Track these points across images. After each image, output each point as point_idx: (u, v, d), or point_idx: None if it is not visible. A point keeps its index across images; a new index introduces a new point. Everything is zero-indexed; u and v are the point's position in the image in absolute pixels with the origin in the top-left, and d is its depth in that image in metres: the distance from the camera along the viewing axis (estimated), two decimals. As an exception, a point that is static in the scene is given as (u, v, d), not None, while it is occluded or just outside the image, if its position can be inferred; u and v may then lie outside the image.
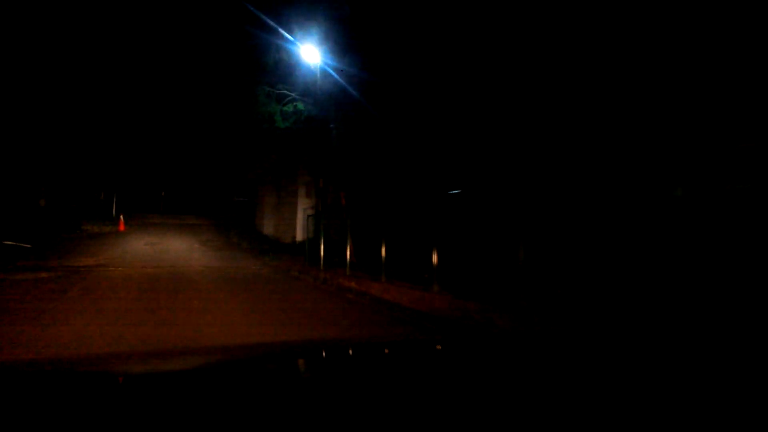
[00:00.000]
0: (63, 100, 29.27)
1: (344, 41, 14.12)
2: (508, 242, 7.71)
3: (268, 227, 24.41)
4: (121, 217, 22.91)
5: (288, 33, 13.88)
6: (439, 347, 1.85)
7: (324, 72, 14.21)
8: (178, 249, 18.15)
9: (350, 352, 1.79)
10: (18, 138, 25.06)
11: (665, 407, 1.01)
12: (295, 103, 15.64)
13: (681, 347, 1.65)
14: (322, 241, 14.31)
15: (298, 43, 13.91)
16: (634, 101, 9.51)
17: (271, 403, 1.04)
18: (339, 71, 14.13)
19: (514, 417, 0.98)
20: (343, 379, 1.30)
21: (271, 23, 13.88)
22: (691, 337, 2.08)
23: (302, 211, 20.33)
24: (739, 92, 8.48)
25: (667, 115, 9.17)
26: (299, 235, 20.06)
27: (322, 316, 7.53)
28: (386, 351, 1.76)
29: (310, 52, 13.89)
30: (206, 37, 20.23)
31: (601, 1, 9.83)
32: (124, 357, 2.08)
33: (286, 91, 15.67)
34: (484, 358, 1.59)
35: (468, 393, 1.15)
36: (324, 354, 1.74)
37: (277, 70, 15.56)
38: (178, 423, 0.90)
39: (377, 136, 14.47)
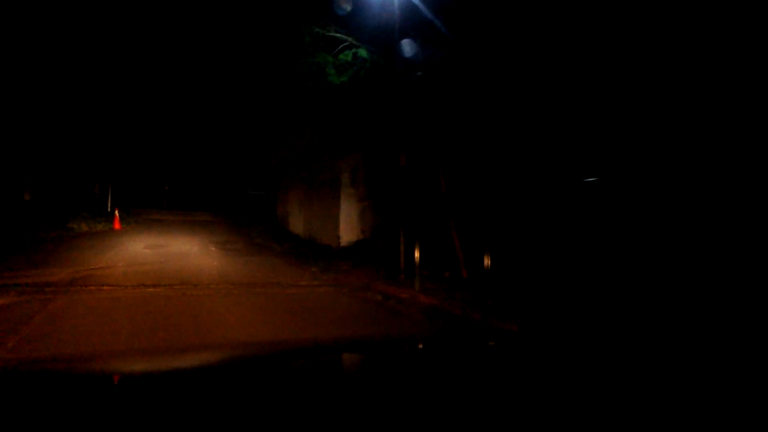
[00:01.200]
0: (54, 80, 24.81)
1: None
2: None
3: (296, 224, 19.87)
4: (116, 212, 18.36)
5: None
6: None
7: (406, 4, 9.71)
8: (188, 254, 13.62)
9: None
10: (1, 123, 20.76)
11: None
12: (355, 50, 11.09)
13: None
14: (403, 243, 9.73)
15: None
16: None
17: None
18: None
19: None
20: None
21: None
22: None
23: (348, 203, 15.79)
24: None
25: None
26: (346, 235, 15.51)
27: None
28: None
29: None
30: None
31: None
32: None
33: (342, 35, 11.12)
34: None
35: None
36: None
37: (332, 5, 11.02)
38: None
39: (481, 101, 9.98)
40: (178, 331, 5.71)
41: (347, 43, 11.10)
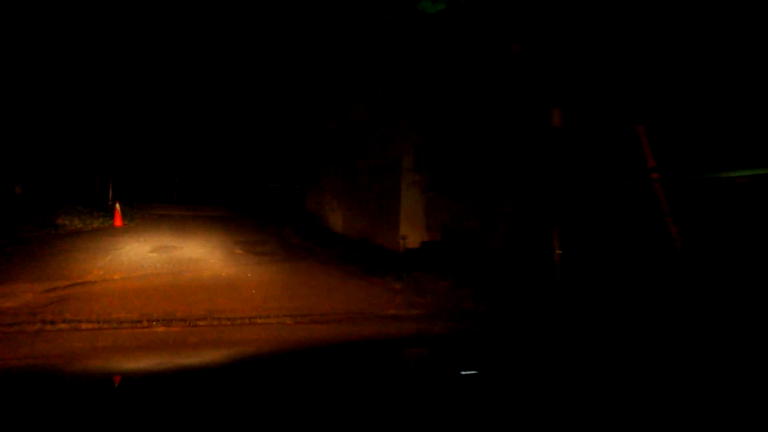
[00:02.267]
0: (52, 62, 21.47)
1: None
2: None
3: (335, 221, 16.41)
4: (117, 206, 14.93)
5: None
6: None
7: None
8: (208, 260, 10.19)
9: None
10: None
11: None
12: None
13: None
14: (558, 252, 6.15)
15: None
16: None
17: None
18: None
19: None
20: None
21: None
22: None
23: (410, 194, 12.30)
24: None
25: None
26: (411, 235, 12.02)
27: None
28: None
29: None
30: None
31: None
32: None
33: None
34: None
35: None
36: None
37: None
38: None
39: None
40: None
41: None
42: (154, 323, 5.35)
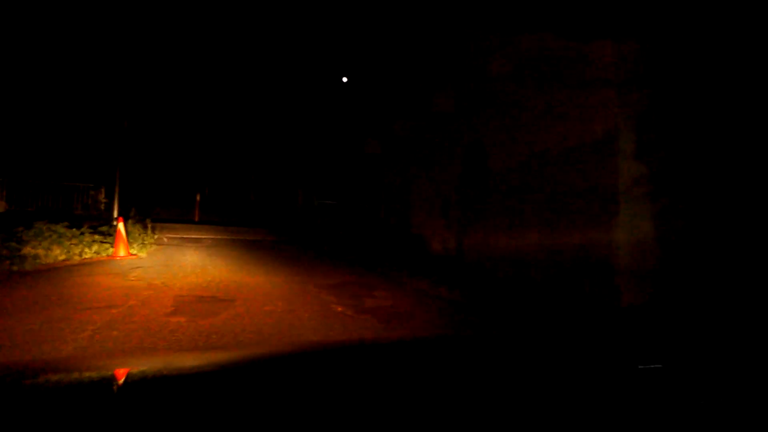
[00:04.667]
0: (51, 55, 16.73)
1: None
2: None
3: (443, 243, 11.05)
4: (120, 227, 9.62)
5: None
6: None
7: None
8: (293, 331, 4.76)
9: None
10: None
11: None
12: None
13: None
14: None
15: None
16: None
17: None
18: None
19: None
20: None
21: None
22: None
23: (632, 198, 6.85)
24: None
25: None
26: (638, 277, 6.56)
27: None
28: None
29: None
30: None
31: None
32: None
33: None
34: None
35: None
36: None
37: None
38: None
39: None
40: None
41: None
42: None
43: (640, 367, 1.44)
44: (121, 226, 9.81)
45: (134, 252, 10.12)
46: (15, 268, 8.26)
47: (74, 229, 9.51)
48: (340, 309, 6.22)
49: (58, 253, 9.09)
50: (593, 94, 7.47)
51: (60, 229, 9.19)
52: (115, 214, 13.02)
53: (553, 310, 6.87)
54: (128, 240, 10.05)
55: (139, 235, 11.25)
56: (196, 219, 22.19)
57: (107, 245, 9.95)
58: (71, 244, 9.31)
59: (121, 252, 9.69)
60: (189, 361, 1.70)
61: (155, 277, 7.90)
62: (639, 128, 6.99)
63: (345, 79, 20.90)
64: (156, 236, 12.52)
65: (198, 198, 25.12)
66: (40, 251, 8.93)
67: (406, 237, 12.47)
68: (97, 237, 9.93)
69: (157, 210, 19.88)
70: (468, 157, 10.53)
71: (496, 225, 9.34)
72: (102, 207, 17.48)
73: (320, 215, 19.23)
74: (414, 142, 13.03)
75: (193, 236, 14.94)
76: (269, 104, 22.77)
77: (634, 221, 6.89)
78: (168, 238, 12.99)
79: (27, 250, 8.71)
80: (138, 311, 5.80)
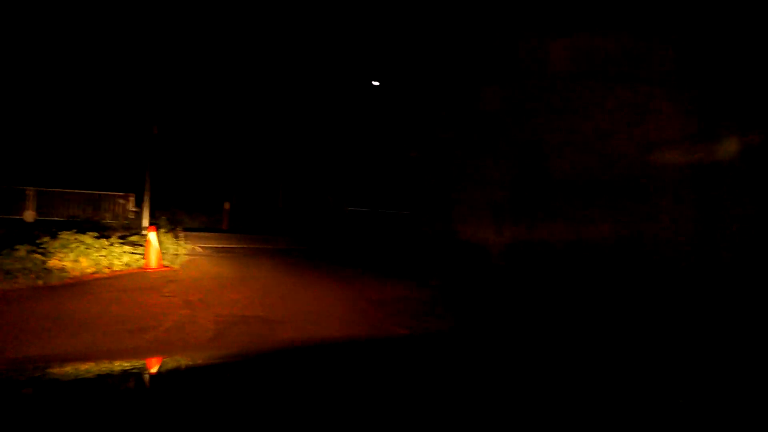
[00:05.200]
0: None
1: None
2: None
3: (488, 247, 10.12)
4: (151, 237, 8.94)
5: None
6: None
7: None
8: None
9: None
10: None
11: None
12: None
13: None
14: None
15: None
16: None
17: None
18: None
19: None
20: None
21: None
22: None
23: None
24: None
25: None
26: None
27: None
28: None
29: None
30: None
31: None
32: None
33: None
34: None
35: None
36: None
37: None
38: None
39: None
40: None
41: None
42: None
43: None
44: (152, 236, 9.13)
45: (166, 264, 9.43)
46: (40, 282, 7.62)
47: (103, 240, 8.87)
48: (404, 333, 5.38)
49: (86, 266, 8.44)
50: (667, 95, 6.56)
51: (88, 239, 8.55)
52: (145, 223, 12.39)
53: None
54: (161, 250, 9.38)
55: (171, 245, 10.58)
56: (225, 227, 21.61)
57: (138, 256, 9.29)
58: (100, 255, 8.66)
59: (153, 264, 9.01)
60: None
61: (192, 293, 7.18)
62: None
63: (376, 83, 20.17)
64: (189, 247, 11.85)
65: (227, 206, 24.64)
66: (67, 264, 8.29)
67: (452, 245, 11.60)
68: (127, 248, 9.27)
69: (182, 217, 19.34)
70: (524, 159, 9.65)
71: (558, 229, 8.44)
72: (131, 216, 16.97)
73: (353, 222, 18.46)
74: (458, 144, 12.18)
75: (224, 246, 14.29)
76: (299, 109, 22.16)
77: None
78: (202, 248, 12.32)
79: (53, 262, 8.08)
80: (175, 336, 5.05)
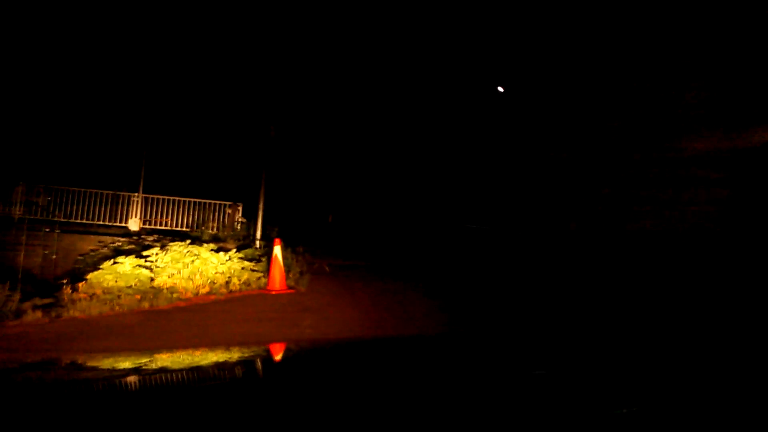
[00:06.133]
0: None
1: None
2: None
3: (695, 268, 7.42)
4: (277, 251, 7.09)
5: None
6: None
7: None
8: None
9: None
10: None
11: None
12: None
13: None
14: None
15: None
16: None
17: None
18: None
19: None
20: None
21: None
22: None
23: None
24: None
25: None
26: None
27: None
28: None
29: None
30: None
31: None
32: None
33: None
34: None
35: None
36: None
37: None
38: None
39: None
40: None
41: None
42: None
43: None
44: (278, 250, 7.34)
45: (291, 285, 7.60)
46: (146, 304, 5.99)
47: (221, 253, 7.17)
48: None
49: (200, 284, 6.76)
50: None
51: (204, 252, 6.89)
52: (258, 235, 10.76)
53: None
54: (285, 268, 7.57)
55: (292, 261, 8.80)
56: (331, 242, 20.00)
57: (258, 274, 7.53)
58: (217, 273, 6.96)
59: (278, 284, 7.20)
60: None
61: (338, 327, 5.20)
62: None
63: (500, 89, 17.97)
64: (304, 266, 10.02)
65: (329, 219, 23.13)
66: (178, 282, 6.64)
67: (632, 266, 9.00)
68: (246, 264, 7.54)
69: (292, 230, 17.84)
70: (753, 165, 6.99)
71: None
72: (237, 227, 15.68)
73: (470, 243, 16.16)
74: (629, 140, 9.63)
75: (340, 262, 12.49)
76: (409, 116, 20.29)
77: None
78: (327, 266, 10.50)
79: (162, 280, 6.44)
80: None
